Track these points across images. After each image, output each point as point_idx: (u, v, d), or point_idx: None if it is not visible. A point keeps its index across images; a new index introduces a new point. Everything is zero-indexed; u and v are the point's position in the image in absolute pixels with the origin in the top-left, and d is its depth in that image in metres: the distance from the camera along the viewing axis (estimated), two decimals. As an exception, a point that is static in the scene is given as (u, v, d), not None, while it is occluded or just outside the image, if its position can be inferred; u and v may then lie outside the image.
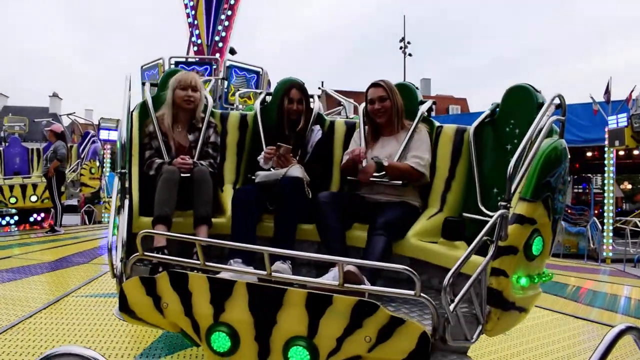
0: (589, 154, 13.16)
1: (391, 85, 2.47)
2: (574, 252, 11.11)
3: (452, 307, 1.60)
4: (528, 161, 1.88)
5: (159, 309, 1.80)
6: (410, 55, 26.56)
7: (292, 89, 2.61)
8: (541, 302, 4.60)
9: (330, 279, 1.82)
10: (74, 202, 13.93)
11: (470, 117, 18.14)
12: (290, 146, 2.40)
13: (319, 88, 3.23)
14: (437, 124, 2.59)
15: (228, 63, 10.11)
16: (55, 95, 34.58)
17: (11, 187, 8.93)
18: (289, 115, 2.61)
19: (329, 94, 9.50)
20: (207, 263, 1.78)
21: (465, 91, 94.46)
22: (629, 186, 23.04)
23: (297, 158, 2.56)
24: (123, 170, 2.14)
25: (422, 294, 1.57)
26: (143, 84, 3.02)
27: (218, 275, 1.81)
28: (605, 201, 11.18)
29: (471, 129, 2.38)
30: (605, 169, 11.12)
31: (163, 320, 1.82)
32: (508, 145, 2.28)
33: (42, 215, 9.72)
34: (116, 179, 2.13)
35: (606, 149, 10.88)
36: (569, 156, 2.02)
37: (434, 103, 2.67)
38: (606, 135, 10.66)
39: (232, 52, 11.89)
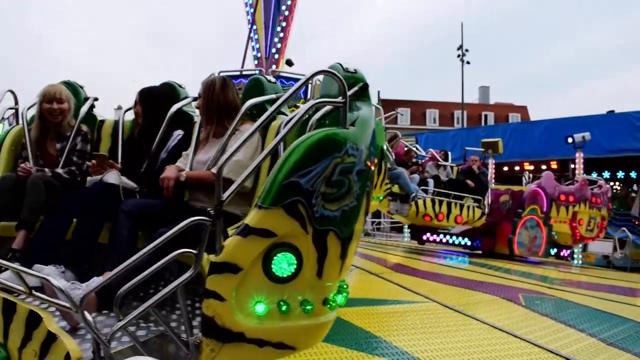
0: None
1: (210, 83, 2.31)
2: (643, 266, 9.31)
3: (117, 327, 1.44)
4: (261, 157, 1.61)
5: None
6: (468, 63, 25.39)
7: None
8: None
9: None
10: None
11: (530, 125, 15.98)
12: (104, 154, 2.41)
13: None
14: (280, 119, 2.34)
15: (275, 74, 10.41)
16: (120, 107, 39.02)
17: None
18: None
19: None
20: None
21: (525, 98, 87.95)
22: None
23: (146, 163, 2.55)
24: None
25: (81, 311, 1.43)
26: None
27: None
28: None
29: (284, 120, 2.12)
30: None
31: None
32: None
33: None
34: None
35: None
36: (348, 150, 1.65)
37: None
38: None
39: (289, 63, 12.13)
